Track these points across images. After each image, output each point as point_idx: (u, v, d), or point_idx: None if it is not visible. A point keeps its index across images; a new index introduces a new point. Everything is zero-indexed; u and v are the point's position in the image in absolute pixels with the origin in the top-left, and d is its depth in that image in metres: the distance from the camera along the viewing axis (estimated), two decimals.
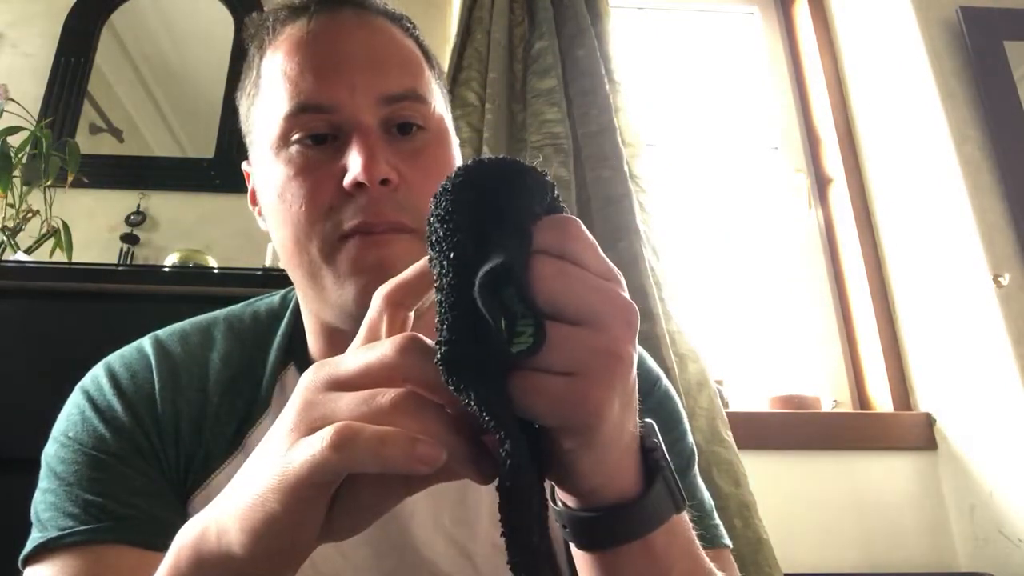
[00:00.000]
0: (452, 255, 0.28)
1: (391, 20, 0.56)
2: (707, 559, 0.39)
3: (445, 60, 1.52)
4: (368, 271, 0.48)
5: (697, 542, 0.39)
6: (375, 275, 0.48)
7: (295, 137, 0.50)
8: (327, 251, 0.49)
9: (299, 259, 0.51)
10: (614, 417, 0.29)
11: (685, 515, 0.38)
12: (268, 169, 0.52)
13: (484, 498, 0.55)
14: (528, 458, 0.28)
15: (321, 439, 0.27)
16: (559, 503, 0.35)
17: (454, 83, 1.47)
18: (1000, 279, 1.31)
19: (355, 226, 0.48)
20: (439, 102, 0.57)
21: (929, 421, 1.44)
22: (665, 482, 0.34)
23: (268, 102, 0.53)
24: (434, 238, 0.29)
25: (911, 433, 1.43)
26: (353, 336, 0.52)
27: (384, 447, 0.26)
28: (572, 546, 0.37)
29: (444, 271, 0.28)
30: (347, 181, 0.48)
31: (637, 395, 0.32)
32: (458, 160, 0.57)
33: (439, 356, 0.27)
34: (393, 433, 0.26)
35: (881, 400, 1.53)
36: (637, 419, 0.34)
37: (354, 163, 0.48)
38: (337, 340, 0.55)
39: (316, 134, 0.50)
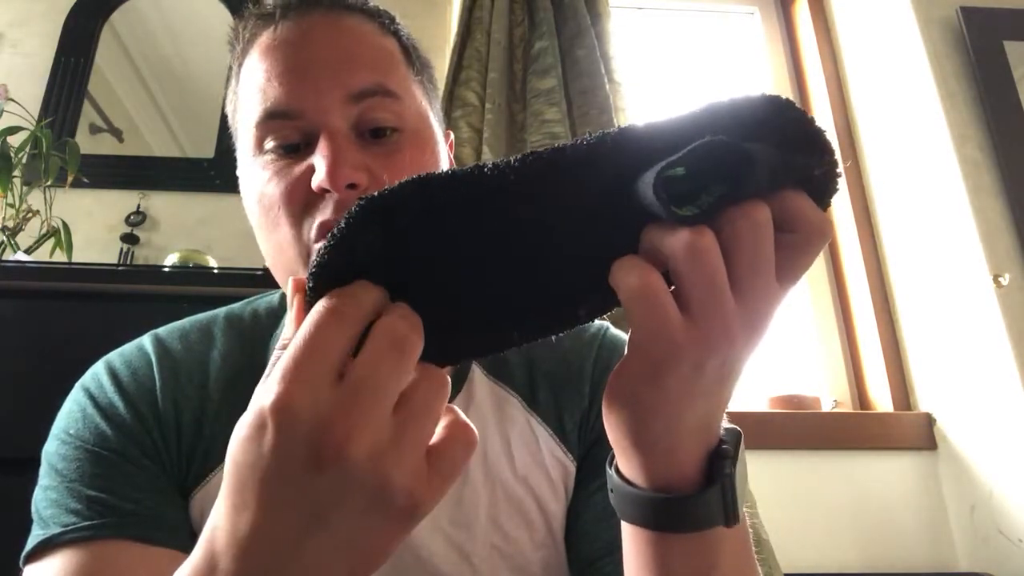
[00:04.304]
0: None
1: (367, 17, 0.55)
2: (759, 568, 0.40)
3: (445, 60, 1.53)
4: None
5: (752, 550, 0.39)
6: None
7: (268, 145, 0.51)
8: (304, 256, 0.50)
9: (280, 262, 0.52)
10: (690, 366, 0.30)
11: (745, 524, 0.38)
12: (248, 176, 0.53)
13: (481, 499, 0.55)
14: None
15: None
16: (616, 471, 0.36)
17: (454, 83, 1.47)
18: (1000, 279, 1.31)
19: (320, 226, 0.48)
20: (420, 100, 0.56)
21: (929, 421, 1.44)
22: (722, 492, 0.34)
23: (244, 110, 0.53)
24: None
25: (911, 433, 1.43)
26: None
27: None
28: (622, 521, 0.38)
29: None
30: (314, 185, 0.48)
31: (727, 396, 0.33)
32: (442, 161, 0.56)
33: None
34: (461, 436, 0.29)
35: (881, 400, 1.53)
36: (721, 423, 0.35)
37: (319, 167, 0.47)
38: None
39: (288, 143, 0.50)
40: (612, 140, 0.28)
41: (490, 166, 0.28)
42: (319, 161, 0.48)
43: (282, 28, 0.52)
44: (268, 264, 0.54)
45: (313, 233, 0.49)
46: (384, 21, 0.56)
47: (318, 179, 0.47)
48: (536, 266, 0.30)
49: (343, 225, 0.27)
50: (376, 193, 0.28)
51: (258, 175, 0.51)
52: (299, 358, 0.26)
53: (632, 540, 0.37)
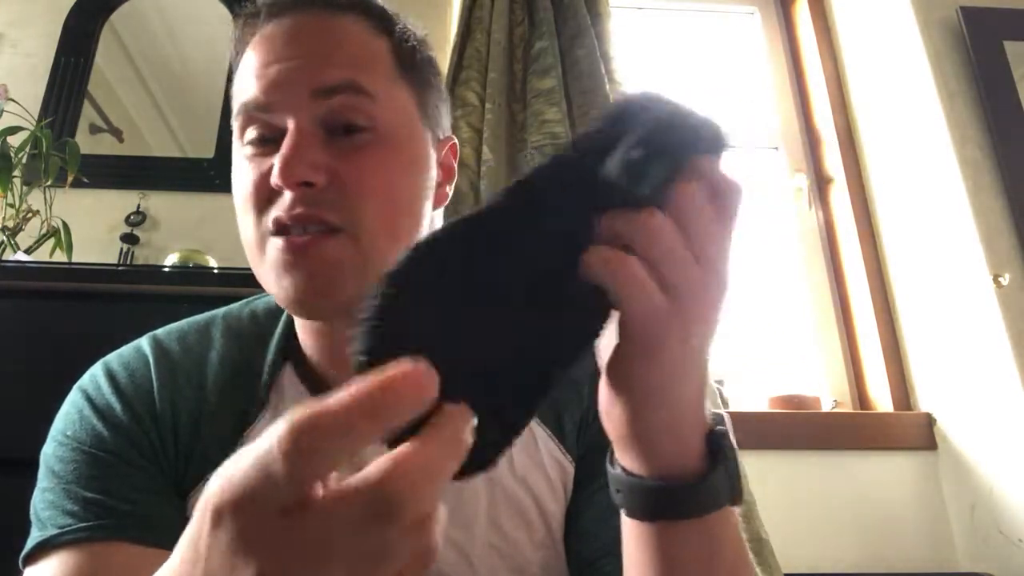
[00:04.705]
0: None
1: (361, 16, 0.55)
2: (749, 550, 0.41)
3: (445, 60, 1.52)
4: (292, 281, 0.49)
5: (743, 534, 0.40)
6: (298, 286, 0.49)
7: (246, 138, 0.52)
8: (260, 247, 0.51)
9: (247, 252, 0.53)
10: (678, 340, 0.31)
11: (735, 512, 0.39)
12: (233, 168, 0.55)
13: (481, 499, 0.55)
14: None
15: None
16: (619, 468, 0.36)
17: (454, 83, 1.47)
18: (1000, 279, 1.31)
19: (273, 221, 0.49)
20: (405, 103, 0.55)
21: (929, 421, 1.44)
22: (727, 469, 0.35)
23: (233, 102, 0.55)
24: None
25: (911, 433, 1.43)
26: (334, 332, 0.51)
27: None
28: (623, 520, 0.38)
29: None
30: (271, 182, 0.49)
31: (706, 368, 0.34)
32: (423, 168, 0.56)
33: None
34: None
35: (881, 400, 1.53)
36: (707, 405, 0.36)
37: (275, 165, 0.48)
38: (323, 335, 0.56)
39: (262, 136, 0.51)
40: (566, 154, 0.31)
41: (466, 216, 0.29)
42: (277, 159, 0.48)
43: (271, 25, 0.54)
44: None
45: (269, 227, 0.50)
46: (379, 21, 0.56)
47: (272, 177, 0.48)
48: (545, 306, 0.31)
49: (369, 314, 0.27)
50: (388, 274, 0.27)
51: (237, 166, 0.54)
52: (261, 475, 0.22)
53: (636, 535, 0.38)
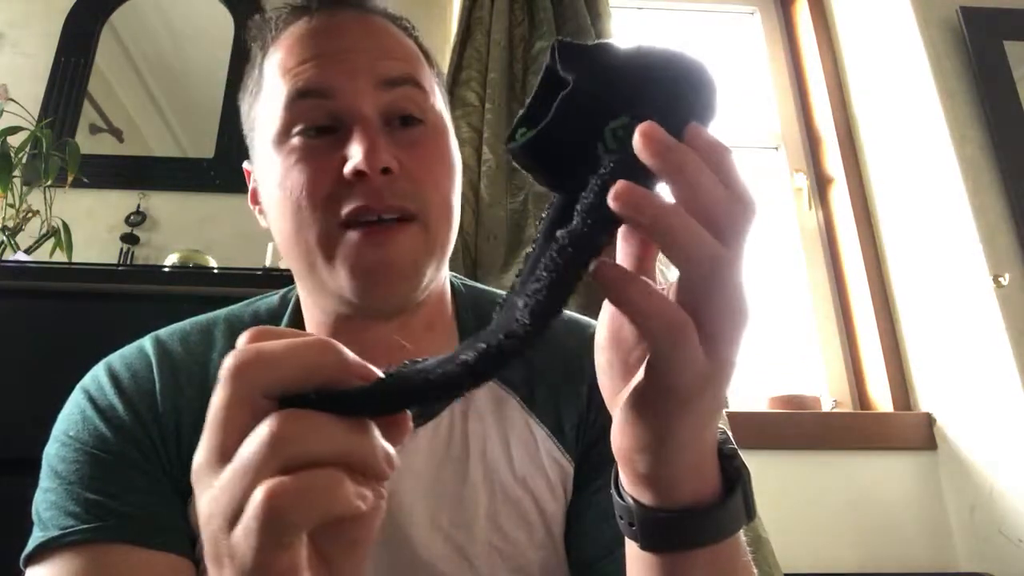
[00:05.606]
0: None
1: (391, 20, 0.58)
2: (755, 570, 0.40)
3: (445, 60, 1.52)
4: (370, 271, 0.49)
5: (748, 549, 0.39)
6: (377, 275, 0.49)
7: (297, 129, 0.51)
8: (324, 241, 0.50)
9: (297, 249, 0.52)
10: (712, 396, 0.30)
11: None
12: (270, 163, 0.53)
13: (481, 499, 0.55)
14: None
15: (251, 521, 0.24)
16: (628, 499, 0.36)
17: (454, 83, 1.47)
18: (1000, 279, 1.31)
19: (354, 210, 0.48)
20: (439, 99, 0.58)
21: (929, 421, 1.44)
22: (743, 490, 0.34)
23: (269, 98, 0.53)
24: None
25: (911, 433, 1.44)
26: (354, 328, 0.50)
27: (320, 499, 0.24)
28: (631, 547, 0.37)
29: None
30: (347, 169, 0.48)
31: (721, 407, 0.34)
32: (456, 156, 0.58)
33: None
34: (320, 482, 0.24)
35: (881, 400, 1.53)
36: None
37: (355, 152, 0.48)
38: (338, 335, 0.55)
39: (318, 126, 0.51)
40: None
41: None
42: (355, 148, 0.48)
43: (315, 20, 0.54)
44: (282, 251, 0.55)
45: (341, 219, 0.49)
46: (404, 25, 0.59)
47: (354, 162, 0.48)
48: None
49: None
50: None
51: (283, 161, 0.51)
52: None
53: (647, 566, 0.36)
